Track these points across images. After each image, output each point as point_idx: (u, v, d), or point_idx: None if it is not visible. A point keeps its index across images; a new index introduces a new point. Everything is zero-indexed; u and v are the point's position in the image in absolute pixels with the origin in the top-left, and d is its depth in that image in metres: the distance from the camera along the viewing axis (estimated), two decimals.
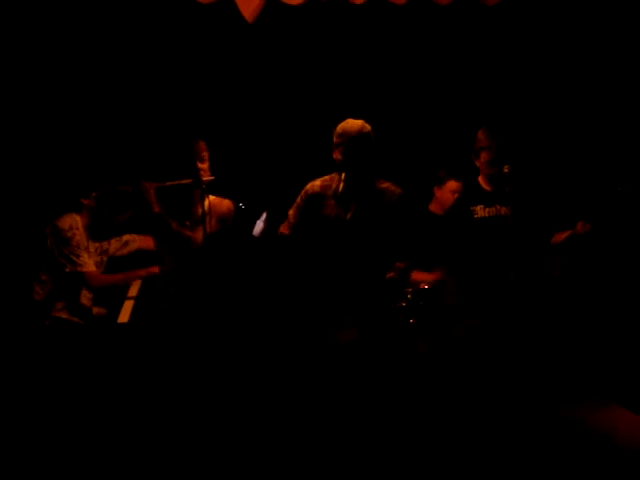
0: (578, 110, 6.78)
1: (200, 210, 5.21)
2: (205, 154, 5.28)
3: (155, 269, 5.43)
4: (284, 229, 4.98)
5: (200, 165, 5.23)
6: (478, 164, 5.25)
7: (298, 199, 4.94)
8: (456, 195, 5.77)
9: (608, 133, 6.67)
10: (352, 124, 4.75)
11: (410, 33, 6.77)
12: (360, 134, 4.70)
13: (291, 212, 4.95)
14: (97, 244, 5.49)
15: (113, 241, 5.59)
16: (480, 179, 5.29)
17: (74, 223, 5.37)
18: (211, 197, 5.18)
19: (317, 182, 4.94)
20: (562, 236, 5.33)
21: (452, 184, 5.89)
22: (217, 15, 6.32)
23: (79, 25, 6.26)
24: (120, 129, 6.38)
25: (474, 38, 6.81)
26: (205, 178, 5.09)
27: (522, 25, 6.71)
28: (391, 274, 5.18)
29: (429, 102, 6.91)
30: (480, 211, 5.21)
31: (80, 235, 5.36)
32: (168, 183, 5.18)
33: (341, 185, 4.74)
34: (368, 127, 4.74)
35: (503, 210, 5.18)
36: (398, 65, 6.86)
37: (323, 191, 4.91)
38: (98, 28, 6.32)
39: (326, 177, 4.95)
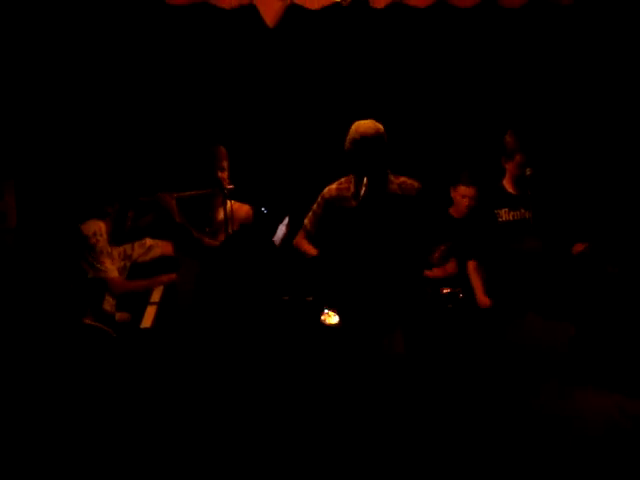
0: (599, 114, 6.79)
1: (220, 216, 5.23)
2: (225, 163, 5.30)
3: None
4: (300, 241, 4.95)
5: (220, 174, 5.26)
6: (509, 167, 5.24)
7: (315, 206, 4.93)
8: (466, 200, 5.78)
9: (628, 138, 6.68)
10: (367, 126, 4.72)
11: (432, 36, 6.80)
12: (377, 135, 4.68)
13: (307, 221, 4.94)
14: (121, 249, 5.50)
15: (136, 247, 5.59)
16: (505, 182, 5.28)
17: (98, 229, 5.37)
18: (230, 203, 5.23)
19: (333, 186, 4.93)
20: (579, 248, 5.31)
21: (462, 189, 5.85)
22: (239, 20, 6.41)
23: (102, 36, 6.34)
24: (143, 138, 6.44)
25: (496, 41, 6.84)
26: (226, 187, 5.11)
27: (545, 28, 6.73)
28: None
29: (451, 105, 6.93)
30: (505, 215, 5.21)
31: (103, 241, 5.36)
32: (188, 193, 5.22)
33: (363, 188, 4.69)
34: (381, 127, 4.72)
35: (527, 214, 5.18)
36: (420, 68, 6.90)
37: (341, 194, 4.88)
38: (122, 38, 6.40)
39: (341, 180, 4.93)
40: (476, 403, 4.59)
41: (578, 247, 5.26)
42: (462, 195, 5.80)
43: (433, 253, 5.79)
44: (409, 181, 4.82)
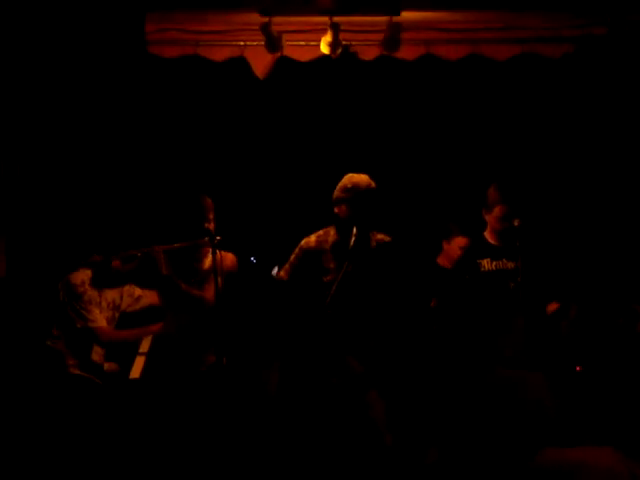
0: (585, 165, 6.82)
1: (205, 266, 5.23)
2: (211, 214, 5.30)
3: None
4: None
5: (207, 225, 5.24)
6: (488, 219, 5.25)
7: (292, 257, 4.96)
8: (461, 251, 5.80)
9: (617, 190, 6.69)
10: (360, 179, 4.77)
11: (420, 89, 6.86)
12: (369, 188, 4.73)
13: (283, 272, 4.97)
14: (109, 299, 5.46)
15: (125, 296, 5.55)
16: (487, 234, 5.30)
17: (86, 278, 5.35)
18: (220, 253, 5.15)
19: (312, 237, 4.95)
20: (553, 307, 5.31)
21: (460, 240, 5.90)
22: (229, 72, 6.47)
23: (94, 88, 6.40)
24: (130, 189, 6.49)
25: (483, 93, 6.90)
26: (215, 238, 5.08)
27: (532, 81, 6.76)
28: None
29: (438, 158, 6.98)
30: (486, 264, 5.21)
31: (92, 290, 5.34)
32: (177, 245, 5.21)
33: (352, 238, 4.70)
34: (374, 182, 4.77)
35: (510, 265, 5.17)
36: (408, 121, 6.95)
37: (319, 246, 4.91)
38: (114, 90, 6.46)
39: (320, 232, 4.96)
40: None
41: (552, 306, 5.28)
42: (460, 247, 5.84)
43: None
44: (387, 238, 4.89)
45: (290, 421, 4.86)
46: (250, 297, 5.35)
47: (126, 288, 5.57)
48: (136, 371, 5.20)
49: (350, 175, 4.81)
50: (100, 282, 5.42)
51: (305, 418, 4.73)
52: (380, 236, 4.86)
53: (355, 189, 4.73)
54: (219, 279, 5.03)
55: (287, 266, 4.99)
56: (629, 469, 3.05)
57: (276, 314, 5.11)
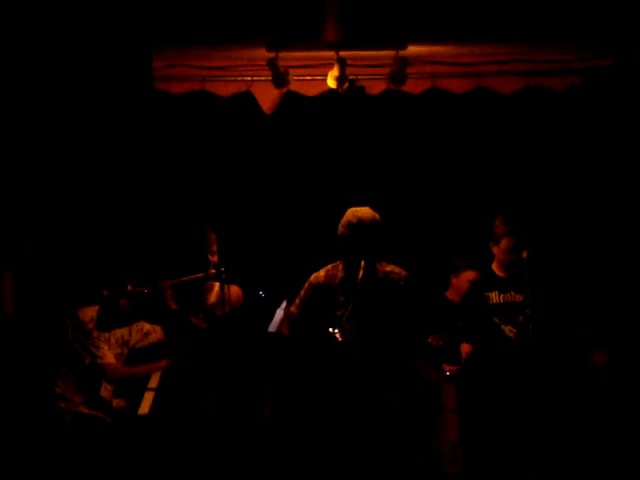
0: (591, 196, 6.84)
1: (211, 300, 5.29)
2: (215, 247, 5.33)
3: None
4: (284, 328, 4.96)
5: (211, 258, 5.27)
6: (496, 251, 5.28)
7: (302, 292, 4.95)
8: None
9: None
10: (363, 213, 4.76)
11: (426, 123, 6.92)
12: (374, 222, 4.72)
13: (293, 308, 4.95)
14: (118, 335, 5.45)
15: (134, 332, 5.52)
16: (494, 266, 5.32)
17: (94, 315, 5.33)
18: (227, 286, 5.21)
19: (321, 273, 4.95)
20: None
21: (469, 274, 5.94)
22: (236, 107, 6.58)
23: (103, 121, 6.36)
24: (135, 225, 6.47)
25: (489, 127, 6.95)
26: (221, 271, 5.11)
27: (537, 114, 6.83)
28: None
29: (444, 190, 7.02)
30: (495, 297, 5.22)
31: (94, 327, 5.34)
32: (184, 279, 5.22)
33: (360, 272, 4.67)
34: (377, 215, 4.77)
35: (518, 297, 5.19)
36: (414, 154, 7.00)
37: (329, 281, 4.90)
38: (123, 124, 6.42)
39: (328, 267, 4.96)
40: None
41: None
42: (467, 280, 5.85)
43: (436, 341, 5.82)
44: (397, 269, 4.86)
45: (286, 447, 4.93)
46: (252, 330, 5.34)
47: (135, 324, 5.55)
48: (145, 407, 5.17)
49: (353, 210, 4.80)
50: (106, 324, 5.44)
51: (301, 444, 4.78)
52: (389, 267, 4.84)
53: (360, 224, 4.72)
54: (226, 310, 5.07)
55: (297, 301, 4.97)
56: None
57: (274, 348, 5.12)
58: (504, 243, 5.19)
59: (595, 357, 5.57)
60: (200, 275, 5.20)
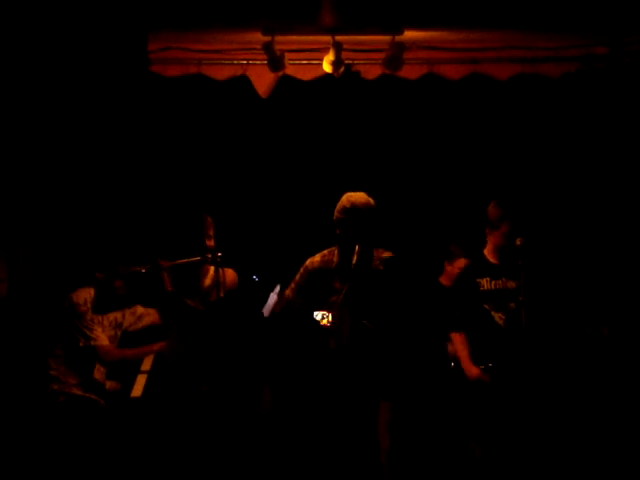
0: (585, 183, 6.88)
1: (206, 284, 5.33)
2: (212, 231, 5.39)
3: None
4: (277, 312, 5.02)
5: (208, 242, 5.33)
6: (492, 236, 5.25)
7: (297, 277, 5.01)
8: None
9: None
10: (357, 197, 4.80)
11: (422, 108, 6.97)
12: (368, 206, 4.76)
13: (289, 291, 5.00)
14: (112, 317, 5.51)
15: (127, 315, 5.59)
16: (486, 252, 5.31)
17: (89, 297, 5.40)
18: (222, 270, 5.28)
19: (317, 258, 4.99)
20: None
21: (462, 262, 5.97)
22: (232, 91, 6.61)
23: (99, 105, 6.39)
24: (131, 207, 6.55)
25: (485, 112, 6.99)
26: (217, 255, 5.16)
27: (533, 100, 6.86)
28: None
29: (440, 176, 7.06)
30: (486, 284, 5.22)
31: (89, 310, 5.41)
32: (181, 261, 5.28)
33: (354, 256, 4.70)
34: (372, 200, 4.80)
35: (509, 283, 5.18)
36: (410, 139, 7.04)
37: (324, 266, 4.93)
38: (119, 107, 6.45)
39: (324, 252, 4.99)
40: None
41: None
42: (459, 267, 5.89)
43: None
44: (390, 255, 4.90)
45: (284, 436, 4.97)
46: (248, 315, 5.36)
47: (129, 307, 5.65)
48: (138, 390, 5.26)
49: (348, 195, 4.84)
50: (102, 307, 5.50)
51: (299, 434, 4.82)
52: (385, 253, 4.88)
53: (354, 208, 4.76)
54: (221, 294, 5.13)
55: (292, 285, 5.03)
56: None
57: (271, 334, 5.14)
58: (504, 227, 5.17)
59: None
60: (197, 259, 5.25)
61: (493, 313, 5.21)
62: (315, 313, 4.85)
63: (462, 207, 6.81)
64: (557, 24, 6.14)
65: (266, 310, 5.01)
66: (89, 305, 5.41)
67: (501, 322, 5.16)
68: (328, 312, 4.82)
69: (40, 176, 6.45)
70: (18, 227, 6.35)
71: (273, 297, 5.00)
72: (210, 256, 5.23)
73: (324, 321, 4.83)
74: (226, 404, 4.98)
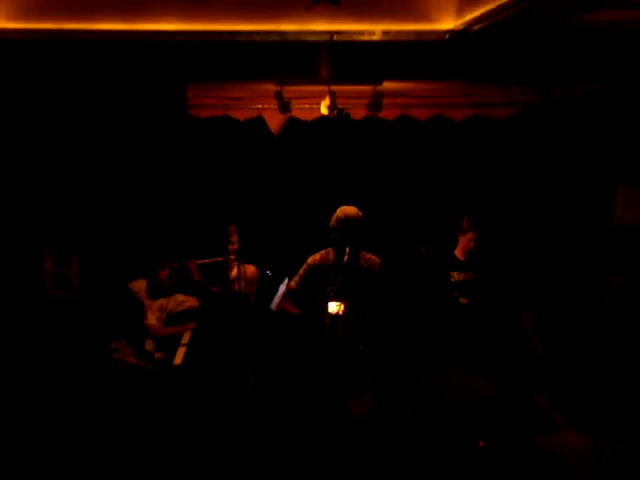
0: (528, 199, 7.50)
1: (232, 276, 5.87)
2: (235, 237, 5.96)
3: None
4: (286, 303, 5.32)
5: (231, 247, 5.93)
6: (461, 240, 6.06)
7: (301, 271, 5.38)
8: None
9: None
10: (350, 210, 5.23)
11: (398, 142, 7.52)
12: (358, 217, 5.23)
13: (293, 283, 5.39)
14: (158, 303, 6.14)
15: (171, 301, 6.29)
16: (457, 251, 6.12)
17: (142, 286, 6.16)
18: (243, 267, 5.87)
19: (317, 256, 5.35)
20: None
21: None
22: (251, 129, 7.07)
23: (139, 144, 7.01)
24: (175, 222, 7.17)
25: (446, 145, 7.55)
26: (240, 257, 5.76)
27: (483, 137, 7.42)
28: None
29: (414, 192, 7.63)
30: (456, 276, 6.04)
31: (144, 296, 6.14)
32: (208, 260, 5.95)
33: (345, 256, 5.13)
34: (361, 212, 5.27)
35: (473, 276, 6.04)
36: (390, 165, 7.63)
37: (322, 262, 5.32)
38: (159, 147, 7.02)
39: (322, 251, 5.36)
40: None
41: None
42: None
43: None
44: (373, 257, 5.35)
45: (270, 417, 5.13)
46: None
47: (173, 295, 6.31)
48: (178, 358, 5.83)
49: (342, 208, 5.26)
50: (154, 294, 6.16)
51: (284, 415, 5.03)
52: (369, 255, 5.35)
53: (347, 219, 5.19)
54: (242, 285, 5.75)
55: (297, 278, 5.42)
56: (596, 446, 3.39)
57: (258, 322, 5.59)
58: (470, 235, 5.97)
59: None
60: (220, 259, 5.92)
61: (460, 299, 5.98)
62: (330, 304, 4.99)
63: (436, 217, 7.33)
64: (499, 77, 6.62)
65: (276, 297, 5.33)
66: (143, 293, 6.09)
67: (466, 303, 5.96)
68: (341, 303, 5.01)
69: (106, 202, 7.08)
70: (90, 233, 6.93)
71: (282, 288, 5.41)
72: (233, 257, 5.84)
73: (337, 309, 4.97)
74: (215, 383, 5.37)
